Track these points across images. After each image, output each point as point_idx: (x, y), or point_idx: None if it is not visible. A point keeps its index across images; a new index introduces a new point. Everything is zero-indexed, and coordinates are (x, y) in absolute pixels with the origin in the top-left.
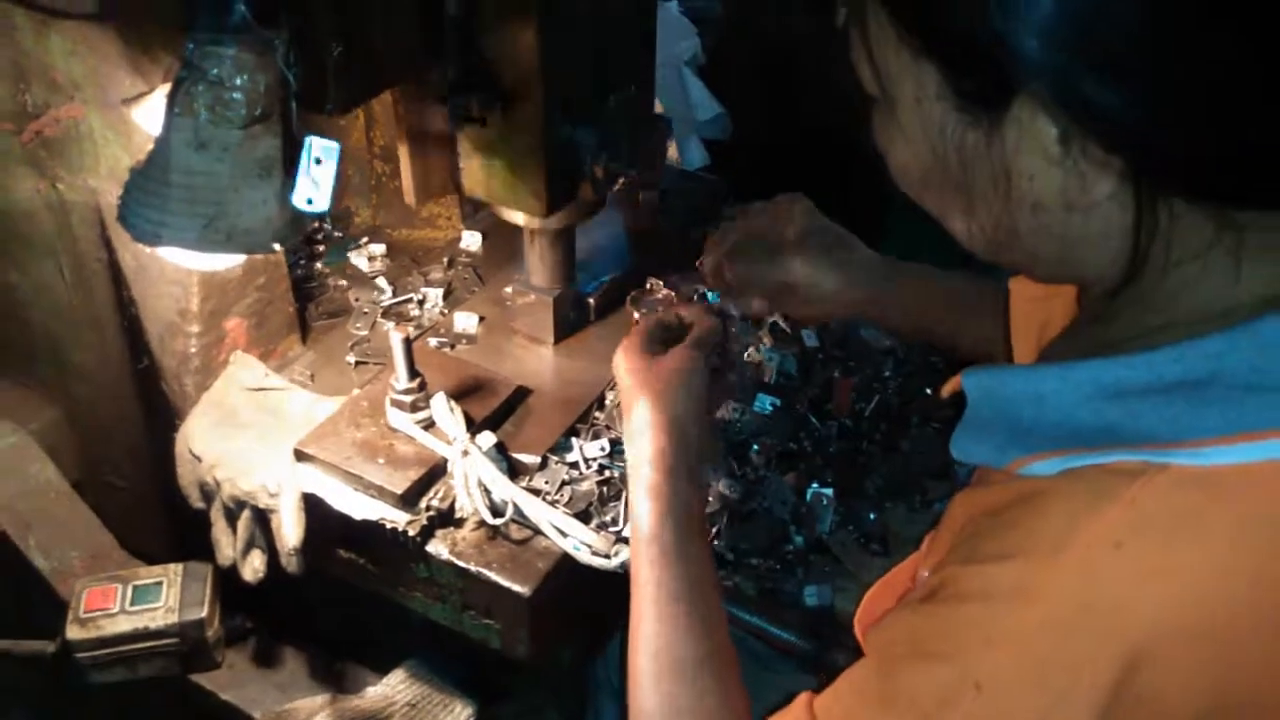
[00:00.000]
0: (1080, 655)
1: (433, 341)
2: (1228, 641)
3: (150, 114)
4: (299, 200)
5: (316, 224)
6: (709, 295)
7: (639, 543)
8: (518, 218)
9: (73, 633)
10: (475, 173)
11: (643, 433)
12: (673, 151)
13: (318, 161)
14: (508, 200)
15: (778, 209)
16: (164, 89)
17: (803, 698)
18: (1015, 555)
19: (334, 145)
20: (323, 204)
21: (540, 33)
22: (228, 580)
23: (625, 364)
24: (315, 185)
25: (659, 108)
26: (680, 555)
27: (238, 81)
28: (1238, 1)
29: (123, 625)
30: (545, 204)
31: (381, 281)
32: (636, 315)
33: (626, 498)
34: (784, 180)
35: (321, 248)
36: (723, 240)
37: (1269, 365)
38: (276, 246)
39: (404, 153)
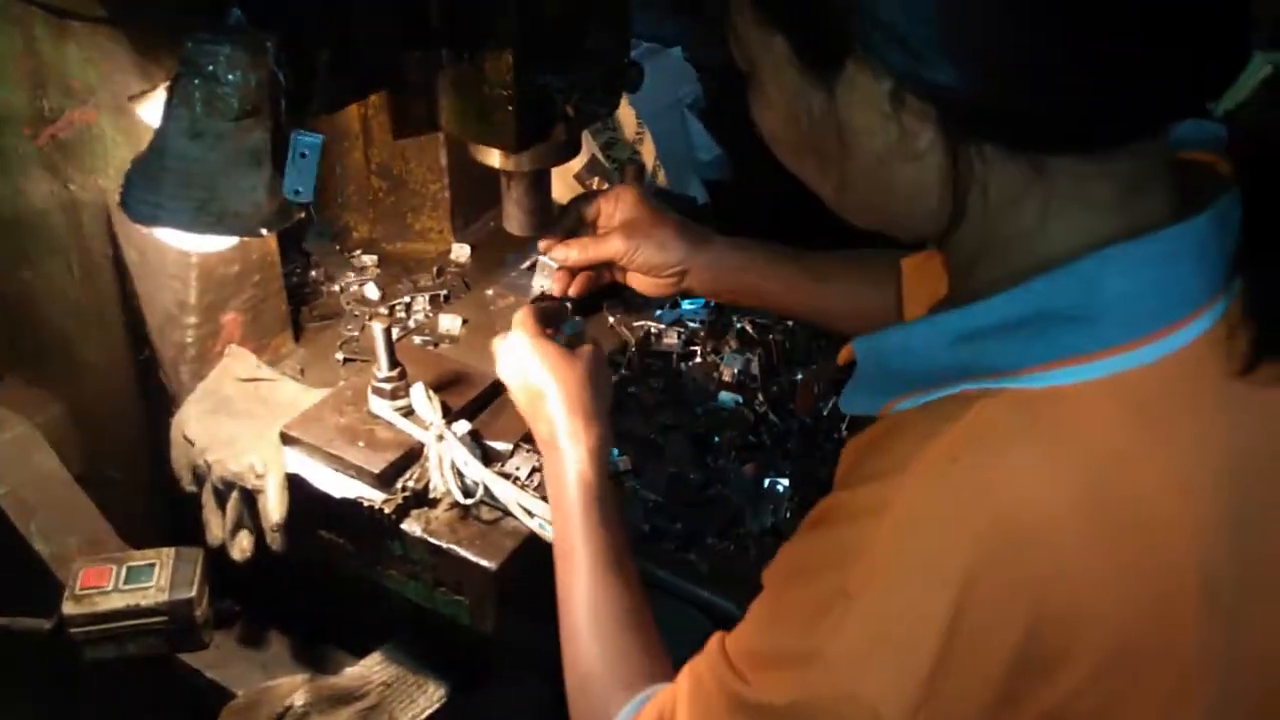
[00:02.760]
0: (926, 558)
1: (417, 340)
2: (1054, 545)
3: (154, 109)
4: (288, 191)
5: (303, 215)
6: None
7: (573, 520)
8: (493, 158)
9: (68, 608)
10: (450, 110)
11: (573, 427)
12: (662, 178)
13: (303, 155)
14: (481, 137)
15: (607, 195)
16: (166, 86)
17: (716, 635)
18: (873, 477)
19: (317, 139)
20: (308, 195)
21: None
22: (217, 565)
23: (538, 357)
24: (301, 177)
25: (650, 147)
26: (609, 528)
27: (230, 78)
28: None
29: (116, 602)
30: (515, 139)
31: (372, 288)
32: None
33: (546, 473)
34: (782, 221)
35: (315, 258)
36: (559, 223)
37: (1085, 301)
38: (264, 231)
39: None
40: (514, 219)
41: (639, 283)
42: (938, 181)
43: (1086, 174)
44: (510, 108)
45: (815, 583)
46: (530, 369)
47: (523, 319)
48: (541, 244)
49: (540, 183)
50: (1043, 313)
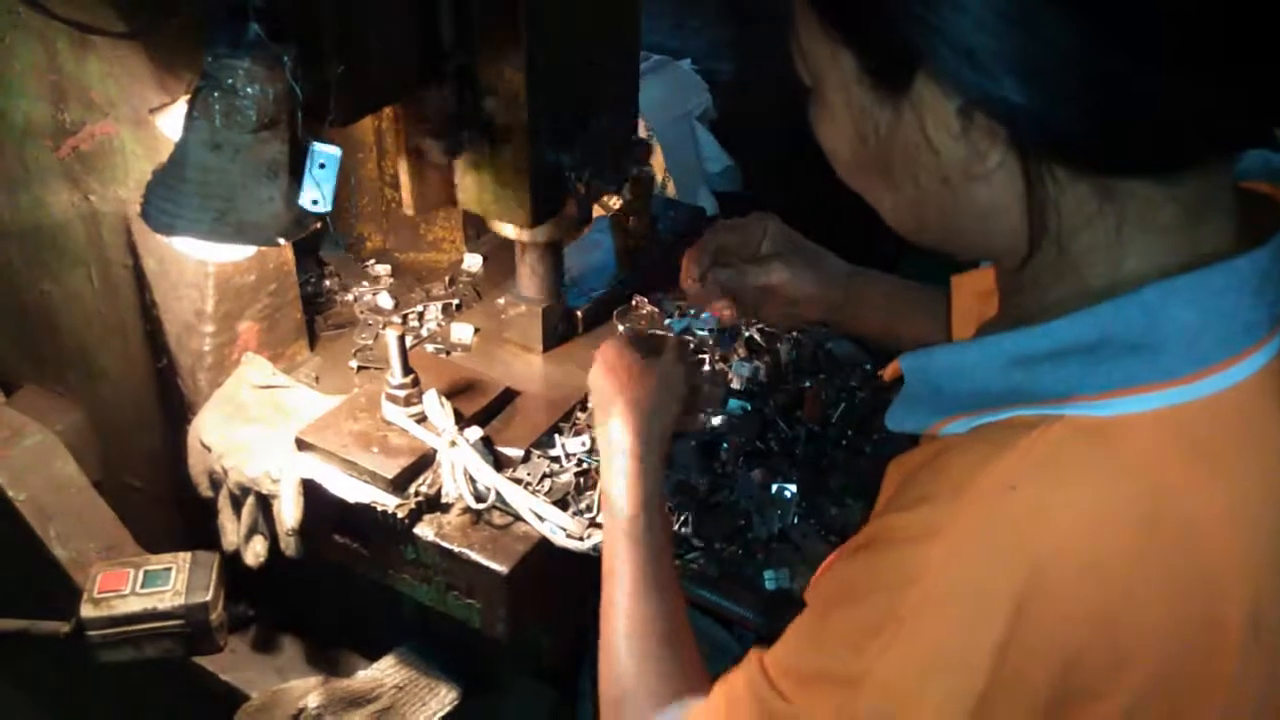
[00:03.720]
0: (981, 585)
1: (430, 348)
2: (1108, 576)
3: (173, 122)
4: (305, 202)
5: (320, 225)
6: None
7: (615, 530)
8: (508, 230)
9: (86, 611)
10: (468, 188)
11: (619, 431)
12: (671, 189)
13: (321, 166)
14: (497, 213)
15: (751, 224)
16: (186, 99)
17: (754, 652)
18: (925, 501)
19: (336, 151)
20: (325, 205)
21: (527, 71)
22: (233, 570)
23: (605, 366)
24: (318, 187)
25: (660, 159)
26: (651, 540)
27: (249, 91)
28: None
29: (133, 605)
30: (530, 216)
31: (385, 297)
32: (620, 328)
33: (600, 488)
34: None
35: (330, 268)
36: (702, 254)
37: (1149, 328)
38: (281, 241)
39: (404, 169)
40: (527, 285)
41: (774, 314)
42: (1009, 201)
43: (1153, 198)
44: (525, 189)
45: (864, 604)
46: (596, 385)
47: (607, 347)
48: (691, 276)
49: (553, 251)
50: (1104, 340)
